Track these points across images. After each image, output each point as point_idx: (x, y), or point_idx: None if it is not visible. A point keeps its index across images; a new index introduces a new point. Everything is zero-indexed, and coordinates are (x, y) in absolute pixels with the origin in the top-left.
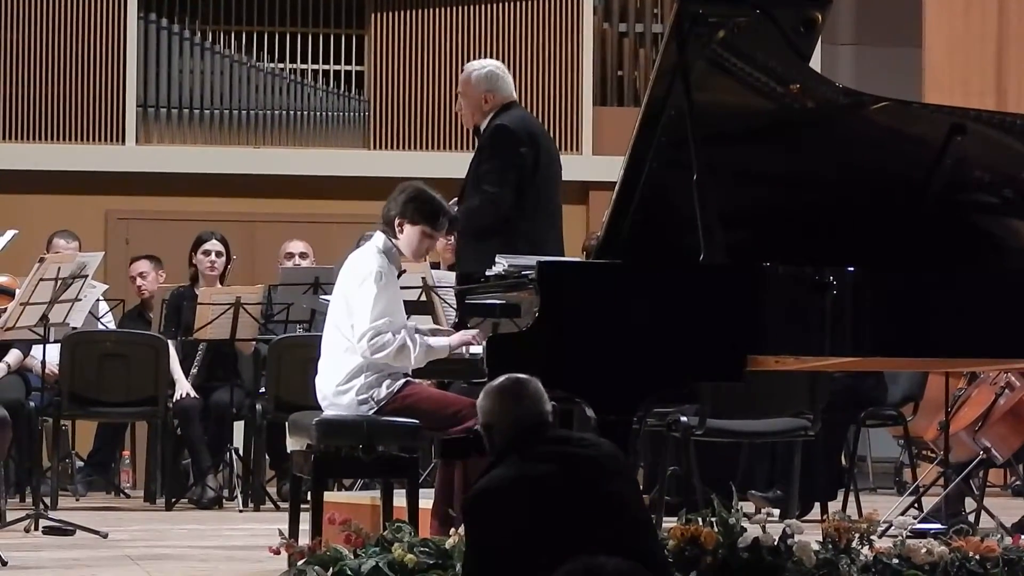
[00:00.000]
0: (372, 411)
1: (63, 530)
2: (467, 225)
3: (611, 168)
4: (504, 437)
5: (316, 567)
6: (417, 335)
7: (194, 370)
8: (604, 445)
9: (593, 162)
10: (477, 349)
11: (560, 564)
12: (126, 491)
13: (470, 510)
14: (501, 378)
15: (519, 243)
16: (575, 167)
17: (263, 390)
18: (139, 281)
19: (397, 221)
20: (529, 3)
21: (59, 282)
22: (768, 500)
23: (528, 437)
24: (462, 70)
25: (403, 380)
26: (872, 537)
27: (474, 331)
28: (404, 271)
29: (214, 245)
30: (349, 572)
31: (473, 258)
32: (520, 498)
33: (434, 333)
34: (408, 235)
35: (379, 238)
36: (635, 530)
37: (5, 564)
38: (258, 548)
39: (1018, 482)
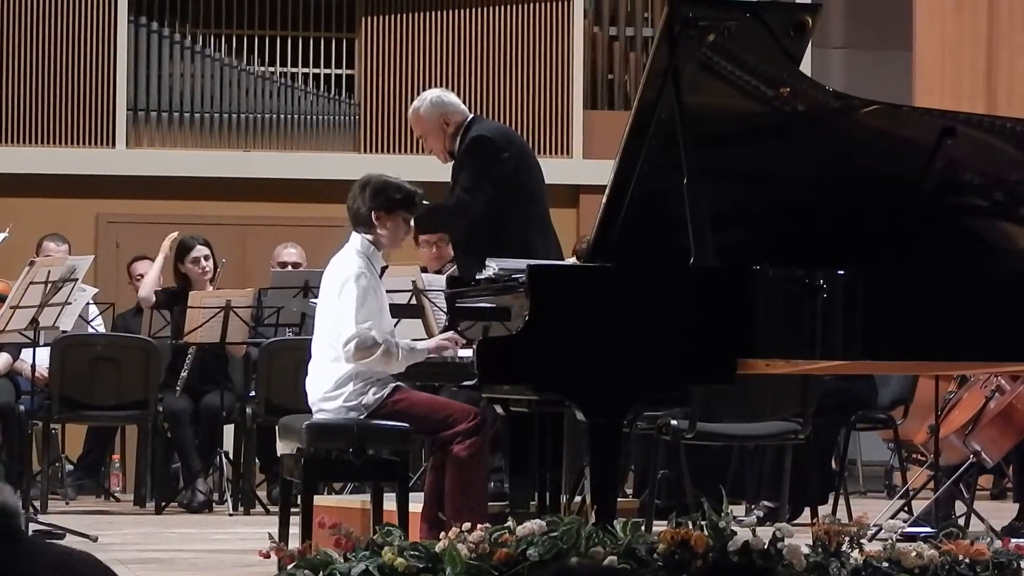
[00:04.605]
0: (362, 416)
1: (53, 534)
2: (429, 224)
3: (601, 171)
4: None
5: (306, 571)
6: (398, 339)
7: (184, 373)
8: None
9: (583, 166)
10: (462, 352)
11: None
12: (116, 495)
13: None
14: None
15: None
16: (565, 171)
17: (253, 393)
18: (136, 282)
19: (375, 215)
20: (519, 7)
21: (49, 285)
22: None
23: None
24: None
25: (392, 385)
26: (862, 540)
27: (452, 335)
28: (387, 266)
29: (201, 251)
30: None
31: (474, 262)
32: None
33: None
34: (390, 226)
35: (356, 239)
36: None
37: None
38: (248, 552)
39: (1008, 484)
